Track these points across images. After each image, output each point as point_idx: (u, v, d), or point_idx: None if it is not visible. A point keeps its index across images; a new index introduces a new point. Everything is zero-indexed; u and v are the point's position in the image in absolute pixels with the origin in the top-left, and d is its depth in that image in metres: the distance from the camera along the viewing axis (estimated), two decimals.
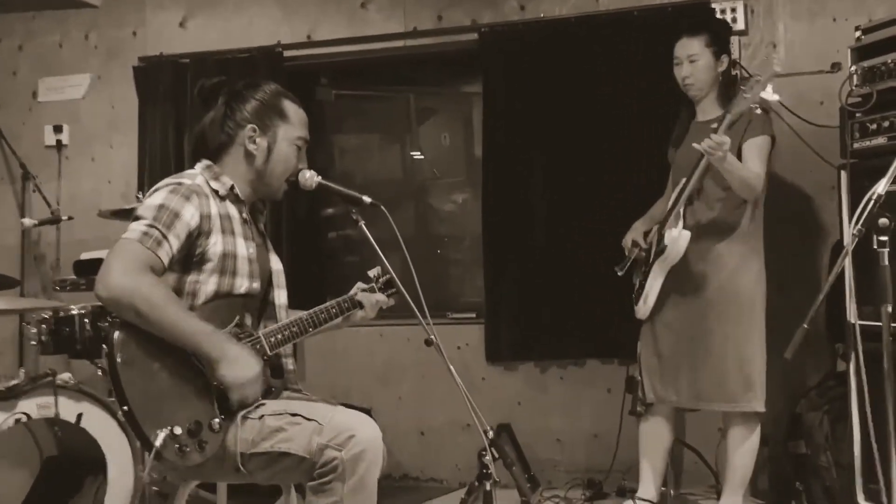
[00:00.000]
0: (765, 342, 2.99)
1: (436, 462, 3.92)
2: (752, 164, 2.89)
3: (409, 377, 3.96)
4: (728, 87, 3.09)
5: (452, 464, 3.87)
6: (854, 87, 2.85)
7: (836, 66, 3.36)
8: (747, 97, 2.77)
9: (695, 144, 2.78)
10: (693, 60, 3.02)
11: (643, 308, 3.05)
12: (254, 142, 2.16)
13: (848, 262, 2.62)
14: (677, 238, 2.90)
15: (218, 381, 1.96)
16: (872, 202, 2.00)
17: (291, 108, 2.21)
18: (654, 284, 3.01)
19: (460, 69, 4.22)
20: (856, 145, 2.87)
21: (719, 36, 3.11)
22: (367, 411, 3.83)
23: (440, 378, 3.74)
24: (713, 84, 3.06)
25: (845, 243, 2.05)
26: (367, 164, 4.59)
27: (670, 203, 3.00)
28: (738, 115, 2.82)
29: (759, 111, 2.97)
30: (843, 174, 2.89)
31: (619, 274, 3.18)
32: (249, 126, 2.15)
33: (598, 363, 3.74)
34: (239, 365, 1.95)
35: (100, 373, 3.34)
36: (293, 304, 2.33)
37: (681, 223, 2.93)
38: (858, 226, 1.99)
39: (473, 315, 3.98)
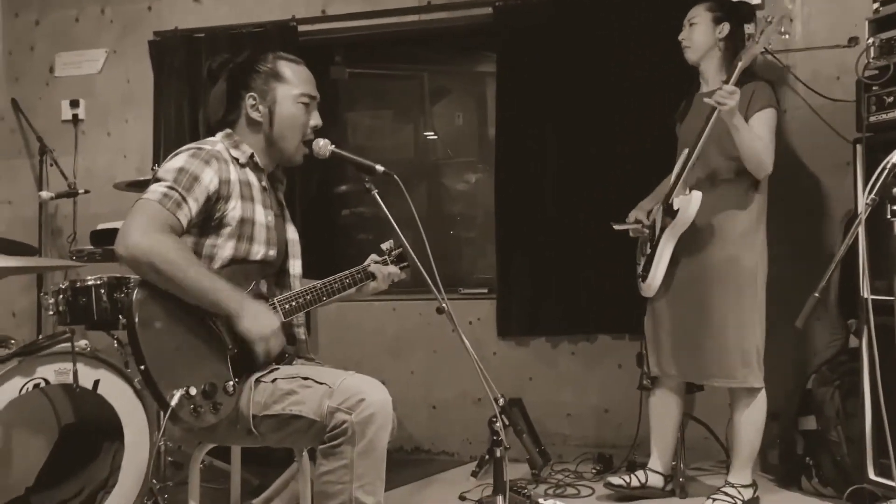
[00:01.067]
0: (764, 318, 2.99)
1: (447, 435, 3.95)
2: (758, 131, 2.88)
3: (421, 351, 3.98)
4: (733, 55, 3.03)
5: (463, 437, 3.90)
6: (871, 60, 2.82)
7: (853, 41, 3.33)
8: (759, 40, 2.76)
9: (706, 99, 2.79)
10: (693, 24, 3.03)
11: (651, 284, 3.05)
12: (256, 109, 2.18)
13: (861, 237, 2.61)
14: (689, 201, 2.89)
15: (241, 338, 1.98)
16: (887, 171, 1.99)
17: (288, 68, 2.22)
18: (663, 254, 3.00)
19: (474, 48, 4.21)
20: (872, 118, 2.84)
21: (724, 4, 3.08)
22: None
23: (452, 352, 3.80)
24: (710, 49, 3.04)
25: (859, 213, 2.04)
26: (380, 143, 4.60)
27: (676, 171, 3.00)
28: (751, 60, 2.81)
29: (762, 82, 2.95)
30: (859, 148, 2.87)
31: (615, 228, 3.18)
32: (249, 95, 2.18)
33: (609, 338, 3.75)
34: (259, 319, 1.99)
35: (116, 344, 3.39)
36: (306, 278, 2.35)
37: (688, 190, 2.92)
38: (872, 195, 1.99)
39: (485, 290, 3.99)
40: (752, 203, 2.99)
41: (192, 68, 4.13)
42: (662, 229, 3.01)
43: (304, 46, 4.02)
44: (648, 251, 3.10)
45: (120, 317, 3.25)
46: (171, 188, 1.99)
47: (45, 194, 3.80)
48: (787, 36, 2.74)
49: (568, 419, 3.82)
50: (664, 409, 3.17)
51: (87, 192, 3.92)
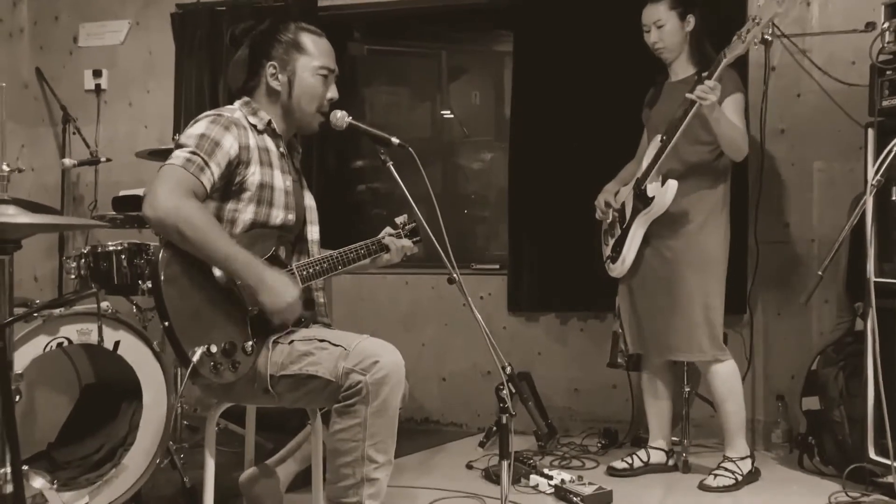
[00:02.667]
0: (723, 297, 3.07)
1: (456, 407, 4.03)
2: (733, 119, 2.92)
3: (433, 324, 4.05)
4: (700, 43, 3.09)
5: (472, 409, 3.98)
6: (886, 45, 2.84)
7: (870, 26, 3.34)
8: (745, 40, 2.77)
9: (688, 94, 2.81)
10: (660, 26, 3.04)
11: (620, 267, 3.13)
12: (276, 78, 2.24)
13: (868, 219, 2.65)
14: (665, 190, 2.95)
15: (259, 306, 2.05)
16: (894, 153, 2.03)
17: (310, 40, 2.27)
18: (634, 239, 3.09)
19: (492, 29, 4.23)
20: (884, 103, 2.85)
21: None
22: None
23: (463, 326, 3.87)
24: (683, 44, 3.08)
25: (866, 202, 2.08)
26: (396, 120, 4.64)
27: (649, 159, 3.04)
28: (734, 59, 2.82)
29: (731, 69, 2.97)
30: (870, 132, 2.89)
31: (608, 241, 3.26)
32: (269, 64, 2.24)
33: None
34: (277, 291, 2.05)
35: (135, 309, 3.48)
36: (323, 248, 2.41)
37: (661, 178, 2.97)
38: (878, 176, 2.02)
39: (497, 266, 4.05)
40: (717, 186, 3.06)
41: (213, 41, 4.18)
42: (634, 214, 3.07)
43: (325, 22, 4.05)
44: (618, 233, 3.16)
45: (140, 282, 3.34)
46: (193, 153, 2.05)
47: (67, 161, 3.86)
48: (769, 38, 2.76)
49: (575, 394, 3.89)
50: (653, 388, 3.27)
51: (108, 160, 3.97)
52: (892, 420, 2.66)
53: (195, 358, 1.94)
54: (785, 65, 3.58)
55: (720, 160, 3.05)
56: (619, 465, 3.22)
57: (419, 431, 3.93)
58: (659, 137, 3.02)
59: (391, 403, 1.99)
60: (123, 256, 3.29)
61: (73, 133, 4.31)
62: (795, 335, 3.57)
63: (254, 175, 2.15)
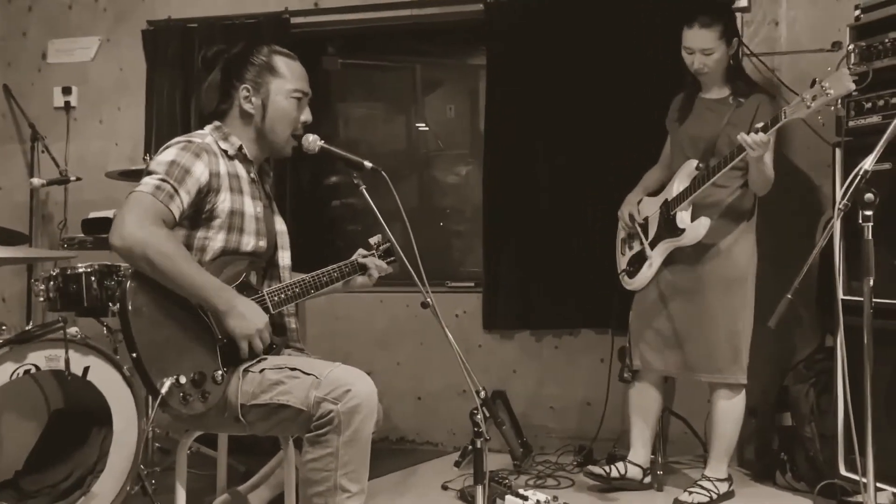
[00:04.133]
0: (752, 317, 3.07)
1: (432, 426, 4.02)
2: (767, 160, 2.91)
3: (408, 343, 4.04)
4: (736, 63, 3.12)
5: (448, 428, 3.97)
6: (851, 66, 2.88)
7: (836, 45, 3.38)
8: (810, 107, 2.65)
9: (741, 138, 2.76)
10: (708, 53, 3.02)
11: (638, 282, 3.12)
12: (249, 101, 2.23)
13: (836, 240, 2.69)
14: (696, 226, 2.96)
15: (228, 333, 2.03)
16: (859, 177, 2.06)
17: (284, 63, 2.26)
18: (655, 262, 3.09)
19: (467, 42, 4.25)
20: (851, 123, 2.91)
21: (730, 24, 3.10)
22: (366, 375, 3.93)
23: (438, 345, 3.82)
24: (724, 67, 3.10)
25: (834, 213, 2.11)
26: (371, 134, 4.63)
27: (685, 186, 3.02)
28: (791, 120, 2.74)
29: (765, 95, 3.01)
30: (838, 151, 2.94)
31: (625, 252, 3.24)
32: (243, 87, 2.23)
33: (593, 333, 3.81)
34: (246, 318, 2.04)
35: (105, 331, 3.43)
36: (296, 270, 2.40)
37: (691, 208, 2.99)
38: (845, 200, 2.05)
39: (472, 284, 4.05)
40: (745, 207, 3.08)
41: (185, 58, 4.15)
42: (659, 236, 3.08)
43: (297, 39, 4.05)
44: (638, 248, 3.17)
45: (110, 304, 3.29)
46: (163, 180, 2.03)
47: (36, 181, 3.81)
48: (834, 109, 2.69)
49: (551, 412, 3.89)
50: (643, 403, 3.24)
51: (78, 179, 3.94)
52: (861, 437, 2.69)
53: (164, 389, 1.92)
54: (770, 94, 3.61)
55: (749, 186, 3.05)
56: (595, 469, 3.20)
57: (395, 451, 3.91)
58: (694, 164, 3.02)
59: (363, 432, 1.98)
60: (93, 278, 3.27)
61: (42, 151, 4.25)
62: (767, 350, 3.59)
63: (224, 202, 2.14)
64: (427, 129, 4.56)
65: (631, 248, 3.21)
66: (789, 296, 2.05)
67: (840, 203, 2.06)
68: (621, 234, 3.29)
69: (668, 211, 3.06)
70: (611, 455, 3.55)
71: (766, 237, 3.53)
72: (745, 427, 3.58)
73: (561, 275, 3.78)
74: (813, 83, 2.65)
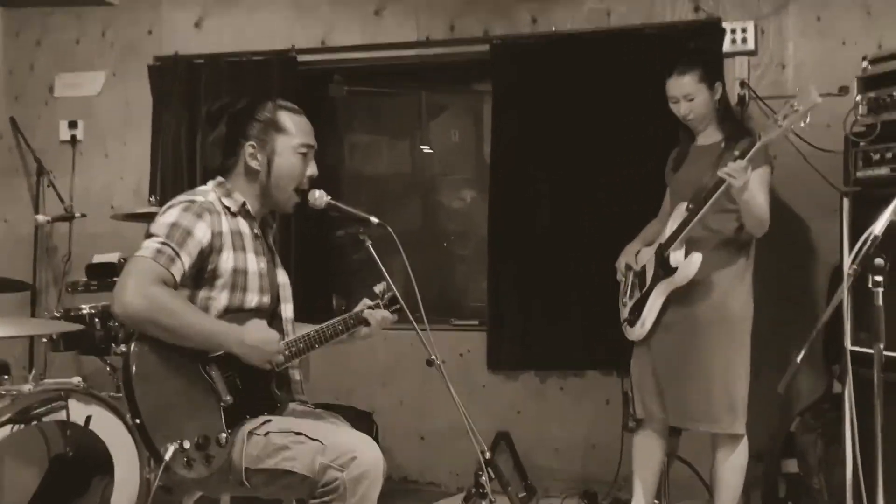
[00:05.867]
0: (749, 365, 3.04)
1: (435, 466, 3.99)
2: (758, 197, 2.91)
3: (411, 381, 4.01)
4: (726, 108, 3.12)
5: (451, 469, 3.94)
6: (859, 117, 2.88)
7: (843, 90, 3.37)
8: (782, 125, 2.71)
9: (720, 171, 2.78)
10: (690, 99, 3.04)
11: (639, 330, 3.11)
12: (255, 158, 2.22)
13: (846, 297, 2.67)
14: (688, 263, 2.94)
15: (243, 359, 2.08)
16: (869, 243, 2.04)
17: (289, 119, 2.26)
18: (654, 305, 3.05)
19: (472, 80, 4.26)
20: (859, 174, 2.90)
21: (709, 66, 3.12)
22: (369, 414, 3.92)
23: (442, 384, 3.81)
24: (712, 113, 3.09)
25: (844, 278, 2.09)
26: (376, 158, 4.64)
27: (676, 226, 3.02)
28: (769, 142, 2.79)
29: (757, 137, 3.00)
30: (846, 201, 2.92)
31: (626, 302, 3.22)
32: (248, 144, 2.22)
33: (598, 374, 3.78)
34: (261, 348, 2.09)
35: (108, 369, 3.43)
36: (302, 302, 2.41)
37: (684, 247, 2.97)
38: (854, 265, 2.04)
39: (476, 322, 4.03)
40: (741, 252, 3.05)
41: (191, 94, 4.15)
42: (655, 280, 3.06)
43: (304, 75, 4.07)
44: (637, 295, 3.15)
45: (113, 344, 3.30)
46: (164, 244, 2.03)
47: (41, 218, 3.83)
48: (804, 124, 2.72)
49: (555, 454, 3.86)
50: (648, 450, 3.22)
51: (83, 215, 3.97)
52: (871, 491, 2.66)
53: (167, 455, 1.91)
54: (761, 127, 3.61)
55: (745, 228, 3.03)
56: None
57: (396, 491, 3.87)
58: (685, 205, 3.01)
59: (369, 499, 1.97)
60: (97, 319, 3.28)
61: (48, 186, 4.26)
62: (773, 394, 3.54)
63: (227, 261, 2.14)
64: (431, 151, 4.56)
65: (632, 297, 3.20)
66: (798, 360, 2.03)
67: (850, 268, 2.04)
68: (622, 286, 3.28)
69: (662, 253, 3.05)
70: (615, 500, 3.53)
71: (769, 280, 3.53)
72: (750, 471, 3.56)
73: (567, 315, 3.76)
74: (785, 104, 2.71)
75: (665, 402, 3.09)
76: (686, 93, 3.04)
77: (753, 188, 2.85)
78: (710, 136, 3.11)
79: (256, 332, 2.09)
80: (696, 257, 2.93)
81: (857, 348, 2.81)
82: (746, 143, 2.81)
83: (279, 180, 2.24)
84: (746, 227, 2.97)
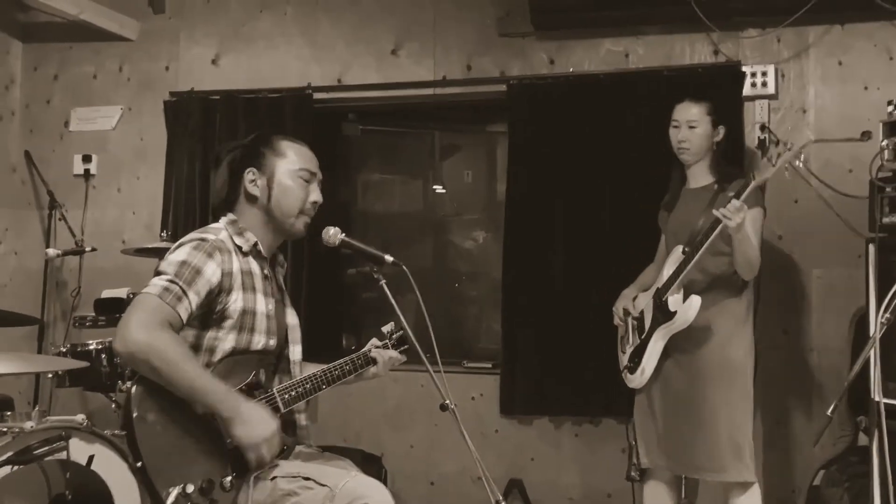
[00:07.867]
0: (752, 409, 2.97)
1: None
2: (751, 239, 2.85)
3: (421, 424, 3.92)
4: (721, 157, 3.08)
5: None
6: (885, 162, 2.83)
7: (865, 135, 3.32)
8: (776, 164, 2.74)
9: (714, 211, 2.76)
10: (692, 126, 3.02)
11: (639, 378, 3.03)
12: (255, 184, 2.19)
13: (875, 349, 2.58)
14: (687, 306, 2.87)
15: (234, 441, 1.95)
16: None
17: (288, 146, 2.23)
18: (653, 351, 2.99)
19: (487, 113, 4.25)
20: (885, 220, 2.84)
21: (722, 107, 3.11)
22: (378, 458, 3.83)
23: (452, 427, 3.72)
24: (707, 152, 3.06)
25: (871, 329, 2.02)
26: (389, 197, 4.62)
27: (672, 270, 2.96)
28: (763, 182, 2.79)
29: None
30: (871, 248, 2.86)
31: (625, 349, 3.16)
32: (248, 170, 2.19)
33: (614, 422, 3.68)
34: (252, 425, 1.96)
35: (113, 406, 3.36)
36: (312, 340, 2.32)
37: (682, 291, 2.91)
38: (887, 314, 1.97)
39: (489, 365, 3.95)
40: (741, 297, 2.99)
41: (206, 130, 4.15)
42: (654, 325, 2.99)
43: (318, 112, 4.05)
44: (637, 342, 3.08)
45: (119, 381, 3.24)
46: (171, 282, 1.98)
47: (51, 252, 3.80)
48: (800, 164, 2.72)
49: (570, 503, 3.74)
50: (658, 501, 3.13)
51: (93, 249, 3.94)
52: None
53: (170, 500, 1.83)
54: (782, 170, 3.56)
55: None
56: None
57: None
58: (681, 249, 2.95)
59: None
60: (104, 356, 3.23)
61: (60, 219, 4.24)
62: (796, 445, 3.47)
63: (236, 302, 2.08)
64: (444, 191, 4.53)
65: (631, 344, 3.12)
66: (829, 414, 1.95)
67: (882, 317, 1.97)
68: (620, 331, 3.21)
69: (660, 298, 2.99)
70: None
71: (793, 328, 3.46)
72: None
73: (581, 360, 3.67)
74: (777, 143, 2.70)
75: (670, 449, 3.01)
76: (691, 119, 3.02)
77: (746, 229, 2.80)
78: (701, 178, 3.08)
79: (254, 409, 1.99)
80: (696, 300, 2.87)
81: (885, 400, 2.72)
82: (740, 183, 2.80)
83: (280, 203, 2.19)
84: (737, 268, 2.90)
